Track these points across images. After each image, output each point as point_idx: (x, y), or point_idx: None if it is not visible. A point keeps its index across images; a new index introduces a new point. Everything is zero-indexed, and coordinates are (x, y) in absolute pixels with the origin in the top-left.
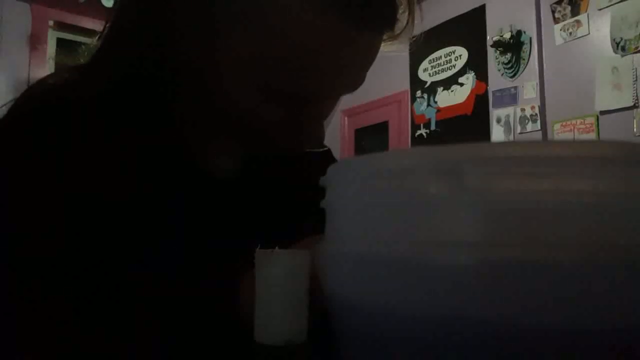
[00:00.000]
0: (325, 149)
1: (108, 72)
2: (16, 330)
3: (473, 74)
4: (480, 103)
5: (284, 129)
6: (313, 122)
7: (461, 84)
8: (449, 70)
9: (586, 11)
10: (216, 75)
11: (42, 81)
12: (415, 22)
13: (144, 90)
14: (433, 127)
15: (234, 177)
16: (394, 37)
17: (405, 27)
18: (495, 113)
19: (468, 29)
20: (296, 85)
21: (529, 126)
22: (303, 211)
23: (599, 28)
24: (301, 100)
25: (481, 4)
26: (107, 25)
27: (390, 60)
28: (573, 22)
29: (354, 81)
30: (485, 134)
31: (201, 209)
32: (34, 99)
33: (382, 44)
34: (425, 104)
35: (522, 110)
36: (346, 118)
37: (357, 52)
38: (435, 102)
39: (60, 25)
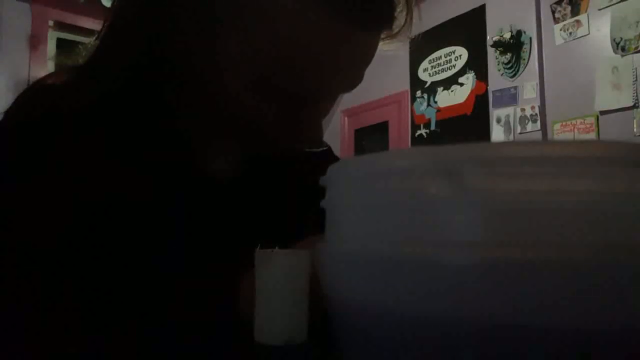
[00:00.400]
0: (326, 147)
1: (107, 73)
2: (18, 327)
3: (473, 74)
4: (480, 103)
5: (283, 129)
6: (312, 122)
7: (461, 84)
8: (449, 70)
9: (586, 11)
10: (216, 75)
11: (41, 81)
12: (414, 21)
13: (143, 91)
14: (433, 127)
15: (234, 177)
16: (392, 36)
17: (403, 25)
18: (495, 113)
19: (468, 29)
20: (295, 84)
21: (529, 126)
22: (303, 211)
23: (599, 28)
24: (300, 100)
25: (481, 4)
26: (105, 24)
27: (390, 60)
28: (573, 22)
29: (353, 80)
30: (485, 134)
31: (201, 209)
32: (34, 101)
33: (381, 43)
34: (425, 104)
35: (522, 110)
36: (346, 118)
37: (355, 50)
38: (435, 102)
39: (60, 25)
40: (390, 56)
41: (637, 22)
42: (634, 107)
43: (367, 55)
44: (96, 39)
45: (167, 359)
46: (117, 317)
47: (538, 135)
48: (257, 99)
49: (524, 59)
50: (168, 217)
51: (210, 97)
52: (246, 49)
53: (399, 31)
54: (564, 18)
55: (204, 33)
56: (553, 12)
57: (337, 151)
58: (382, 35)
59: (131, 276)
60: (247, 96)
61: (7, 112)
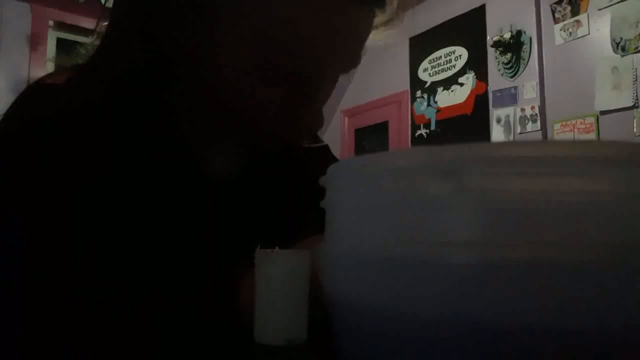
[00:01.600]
0: (323, 144)
1: (107, 67)
2: (17, 329)
3: (473, 74)
4: (480, 103)
5: (283, 115)
6: (312, 107)
7: (461, 84)
8: (449, 70)
9: (586, 11)
10: (217, 63)
11: (41, 81)
12: (411, 15)
13: (144, 87)
14: (433, 127)
15: (234, 178)
16: (386, 23)
17: (396, 9)
18: (495, 113)
19: (468, 29)
20: (295, 64)
21: (529, 126)
22: (303, 211)
23: (599, 28)
24: (300, 81)
25: (481, 4)
26: (99, 22)
27: (390, 60)
28: (573, 22)
29: (349, 61)
30: (485, 134)
31: (202, 210)
32: (34, 101)
33: (375, 32)
34: (425, 104)
35: (522, 110)
36: (346, 118)
37: (349, 27)
38: (435, 102)
39: (60, 25)
40: (390, 56)
41: (637, 22)
42: (634, 107)
43: (361, 33)
44: (95, 37)
45: (166, 359)
46: (117, 317)
47: (538, 135)
48: (258, 84)
49: (524, 59)
50: (168, 218)
51: (211, 87)
52: (245, 32)
53: (392, 18)
54: (564, 18)
55: (204, 22)
56: (553, 12)
57: (337, 151)
58: (376, 21)
59: (130, 276)
60: (248, 82)
61: (7, 113)
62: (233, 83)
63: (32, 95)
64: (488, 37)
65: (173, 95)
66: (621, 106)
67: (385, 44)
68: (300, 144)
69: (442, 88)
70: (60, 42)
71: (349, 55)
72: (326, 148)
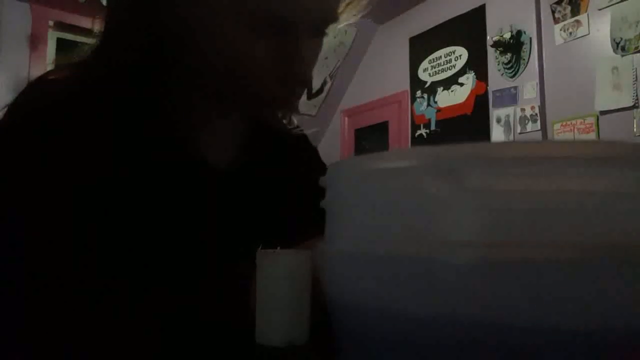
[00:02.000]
0: (301, 130)
1: (106, 66)
2: (17, 329)
3: (473, 74)
4: (480, 103)
5: (274, 70)
6: (298, 62)
7: (461, 84)
8: (449, 70)
9: (586, 11)
10: (215, 27)
11: (42, 78)
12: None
13: (142, 85)
14: (433, 127)
15: (234, 177)
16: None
17: None
18: (495, 113)
19: (468, 29)
20: (278, 9)
21: (529, 126)
22: (303, 211)
23: (599, 28)
24: (283, 28)
25: (481, 4)
26: (95, 20)
27: (390, 60)
28: (573, 22)
29: (329, 15)
30: (485, 134)
31: (202, 210)
32: (37, 96)
33: (346, 14)
34: (425, 104)
35: (522, 110)
36: (346, 118)
37: None
38: (435, 102)
39: (60, 25)
40: (390, 56)
41: (637, 22)
42: (634, 107)
43: None
44: (96, 36)
45: (167, 359)
46: (117, 317)
47: (538, 135)
48: (251, 38)
49: (524, 59)
50: (168, 216)
51: (210, 55)
52: None
53: None
54: (564, 18)
55: None
56: (553, 12)
57: (337, 151)
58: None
59: (131, 276)
60: (242, 36)
61: (9, 110)
62: (229, 40)
63: (34, 92)
64: (488, 37)
65: (173, 93)
66: (621, 106)
67: (385, 44)
68: (293, 104)
69: (442, 88)
70: (60, 42)
71: (328, 8)
72: (305, 137)
